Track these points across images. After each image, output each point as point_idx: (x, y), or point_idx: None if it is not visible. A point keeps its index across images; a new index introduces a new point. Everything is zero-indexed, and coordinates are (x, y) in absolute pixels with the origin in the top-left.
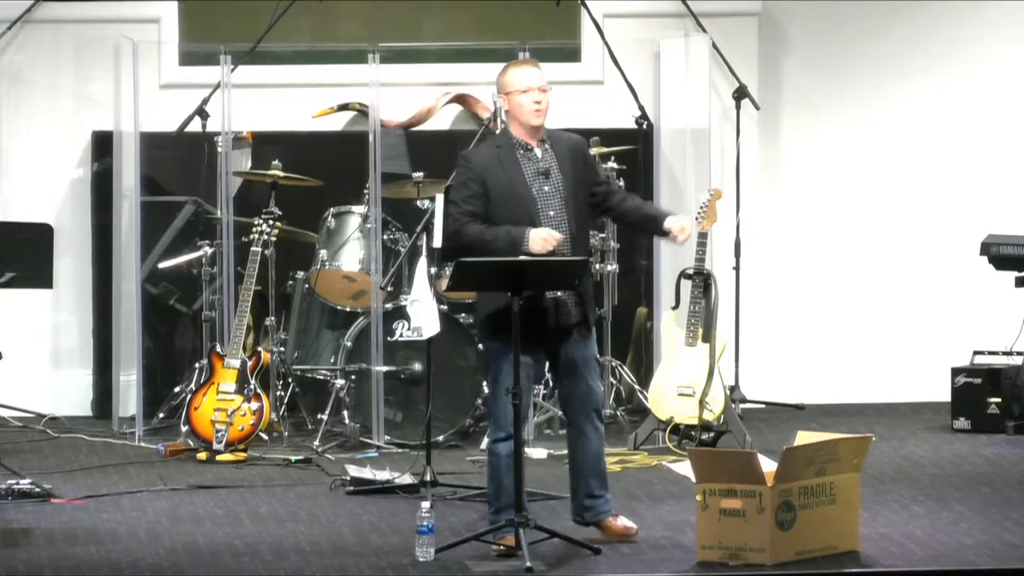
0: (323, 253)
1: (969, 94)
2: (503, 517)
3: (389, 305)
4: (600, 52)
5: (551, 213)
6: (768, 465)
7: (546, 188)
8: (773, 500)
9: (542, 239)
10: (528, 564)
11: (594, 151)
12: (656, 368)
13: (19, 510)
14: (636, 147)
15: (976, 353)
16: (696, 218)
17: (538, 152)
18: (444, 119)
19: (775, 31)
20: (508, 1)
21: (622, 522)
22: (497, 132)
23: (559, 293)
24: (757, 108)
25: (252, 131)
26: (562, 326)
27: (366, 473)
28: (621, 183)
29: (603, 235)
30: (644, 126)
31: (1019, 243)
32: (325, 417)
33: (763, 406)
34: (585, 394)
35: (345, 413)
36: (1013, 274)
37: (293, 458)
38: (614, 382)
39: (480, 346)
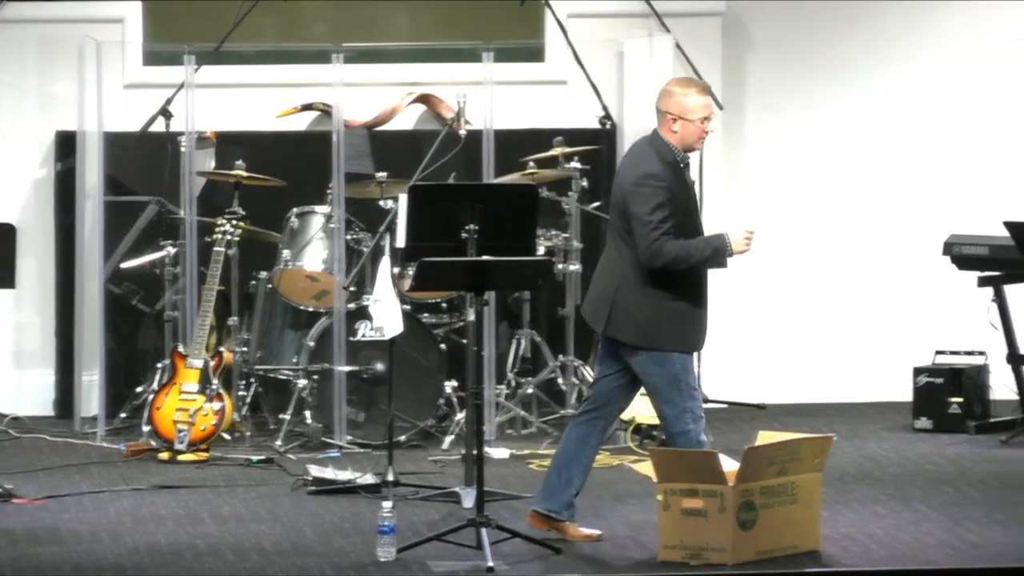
0: (286, 253)
1: (932, 93)
2: None
3: (352, 305)
4: (564, 52)
5: (699, 226)
6: (730, 465)
7: (695, 201)
8: (735, 500)
9: (745, 240)
10: (490, 564)
11: (557, 151)
12: None
13: None
14: (599, 147)
15: (938, 353)
16: None
17: (689, 167)
18: (408, 119)
19: (739, 31)
20: (472, 1)
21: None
22: (662, 144)
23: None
24: (721, 107)
25: (216, 131)
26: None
27: (328, 473)
28: (584, 183)
29: (566, 235)
30: (608, 126)
31: (981, 243)
32: (287, 417)
33: (725, 406)
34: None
35: (307, 413)
36: (975, 274)
37: (255, 458)
38: (576, 382)
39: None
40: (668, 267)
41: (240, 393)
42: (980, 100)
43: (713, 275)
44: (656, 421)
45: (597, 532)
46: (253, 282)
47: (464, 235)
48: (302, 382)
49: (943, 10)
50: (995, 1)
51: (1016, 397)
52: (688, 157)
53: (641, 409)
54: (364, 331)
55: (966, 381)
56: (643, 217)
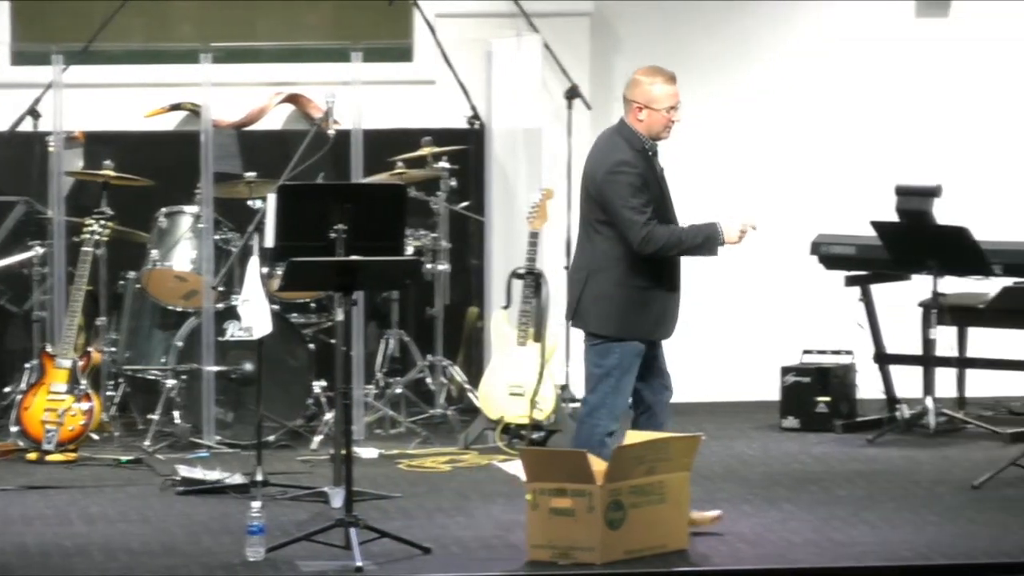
0: (154, 253)
1: (798, 93)
2: None
3: (220, 305)
4: (432, 52)
5: (673, 213)
6: (598, 464)
7: (666, 190)
8: (603, 499)
9: (739, 231)
10: (359, 563)
11: (425, 151)
12: (487, 368)
13: None
14: (468, 147)
15: (805, 352)
16: (527, 218)
17: (658, 155)
18: (276, 119)
19: (607, 31)
20: (340, 1)
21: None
22: (629, 133)
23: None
24: (589, 108)
25: (84, 131)
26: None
27: (197, 473)
28: (453, 183)
29: (435, 235)
30: (476, 126)
31: (848, 243)
32: (156, 417)
33: None
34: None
35: (176, 413)
36: (843, 273)
37: (123, 458)
38: (445, 382)
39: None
40: (659, 254)
41: (109, 393)
42: (846, 99)
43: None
44: (525, 421)
45: (716, 512)
46: (121, 282)
47: (333, 235)
48: (171, 382)
49: (808, 9)
50: (861, 2)
51: (883, 396)
52: (656, 145)
53: (510, 408)
54: (233, 331)
55: (833, 380)
56: (625, 205)
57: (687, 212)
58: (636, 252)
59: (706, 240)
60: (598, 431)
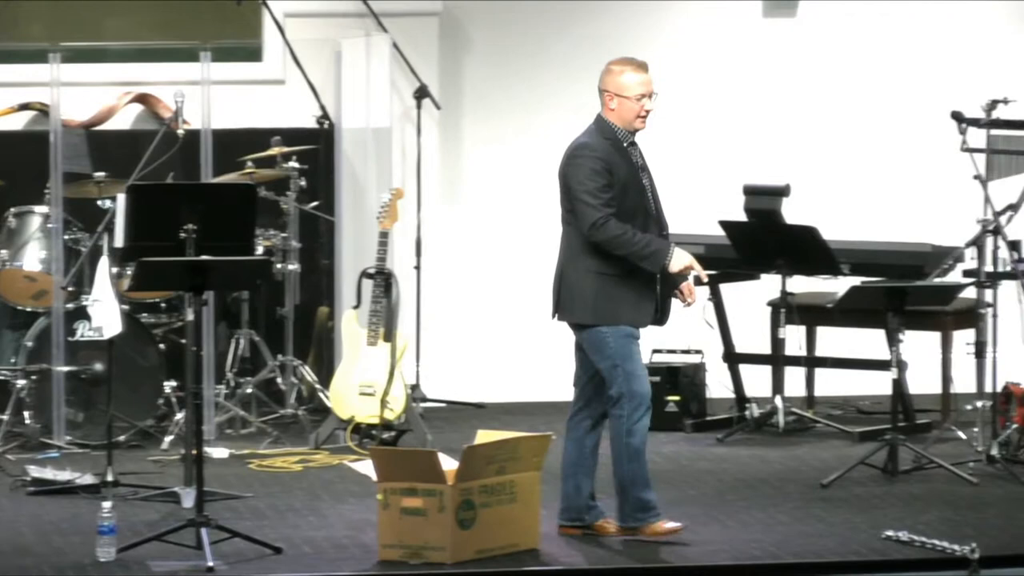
0: (4, 253)
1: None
2: (651, 496)
3: (70, 305)
4: (281, 51)
5: (652, 207)
6: (449, 464)
7: (645, 182)
8: (454, 499)
9: (684, 264)
10: (210, 563)
11: (275, 151)
12: (337, 367)
13: None
14: (318, 147)
15: (655, 351)
16: (377, 217)
17: (636, 148)
18: (125, 119)
19: (456, 31)
20: (190, 1)
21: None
22: (605, 127)
23: (659, 291)
24: (438, 108)
25: None
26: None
27: (47, 473)
28: (303, 183)
29: (285, 235)
30: (326, 126)
31: (697, 242)
32: (6, 417)
33: (444, 405)
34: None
35: (26, 413)
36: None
37: None
38: (295, 382)
39: (592, 331)
40: (605, 245)
41: None
42: (694, 99)
43: (432, 275)
44: (376, 420)
45: (677, 524)
46: None
47: (183, 235)
48: (20, 382)
49: (659, 10)
50: (710, 2)
51: (732, 395)
52: (631, 136)
53: (361, 408)
54: (83, 331)
55: (683, 379)
56: (582, 188)
57: (536, 212)
58: (586, 235)
59: (653, 254)
60: (625, 422)
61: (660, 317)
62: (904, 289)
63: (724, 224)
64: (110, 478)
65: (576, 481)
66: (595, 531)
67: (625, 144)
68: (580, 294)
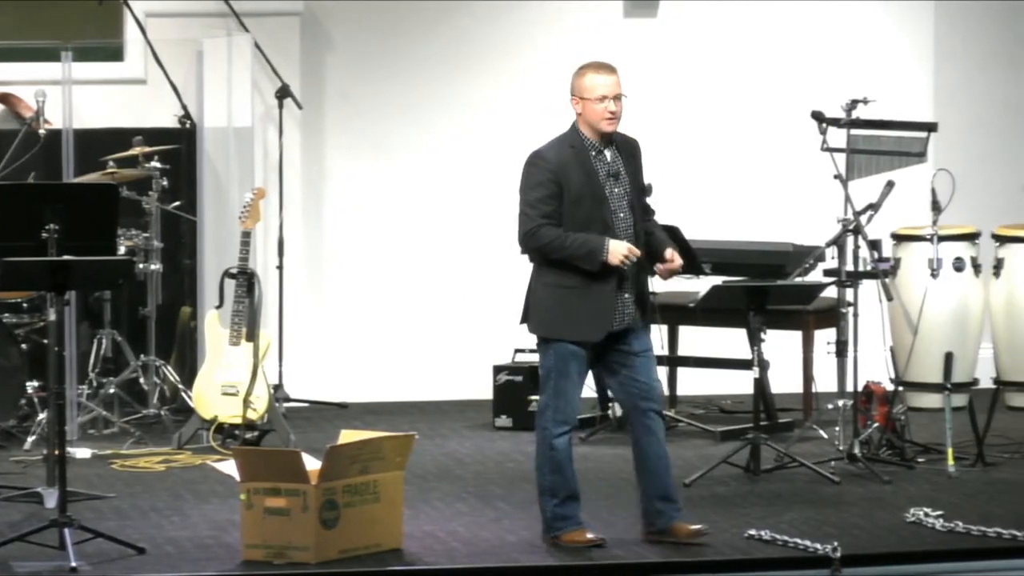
0: None
1: (512, 93)
2: (570, 508)
3: None
4: (143, 51)
5: (621, 215)
6: (312, 464)
7: (616, 190)
8: (317, 498)
9: (623, 254)
10: (73, 564)
11: (137, 151)
12: (200, 367)
13: None
14: (179, 146)
15: (517, 351)
16: (239, 217)
17: (608, 154)
18: None
19: (317, 31)
20: (50, 0)
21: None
22: (566, 132)
23: (627, 295)
24: (300, 107)
25: None
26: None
27: None
28: (164, 183)
29: (147, 235)
30: (187, 125)
31: None
32: None
33: (307, 405)
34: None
35: None
36: None
37: None
38: (158, 382)
39: (539, 342)
40: (540, 252)
41: None
42: (555, 98)
43: (295, 275)
44: (239, 420)
45: (596, 536)
46: None
47: (44, 235)
48: None
49: (521, 9)
50: (571, 2)
51: (595, 395)
52: (601, 143)
53: (224, 408)
54: None
55: None
56: (522, 195)
57: (400, 211)
58: (520, 244)
59: (588, 253)
60: (547, 434)
61: (644, 315)
62: (765, 288)
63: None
64: None
65: (641, 487)
66: (672, 535)
67: (593, 152)
68: (535, 305)
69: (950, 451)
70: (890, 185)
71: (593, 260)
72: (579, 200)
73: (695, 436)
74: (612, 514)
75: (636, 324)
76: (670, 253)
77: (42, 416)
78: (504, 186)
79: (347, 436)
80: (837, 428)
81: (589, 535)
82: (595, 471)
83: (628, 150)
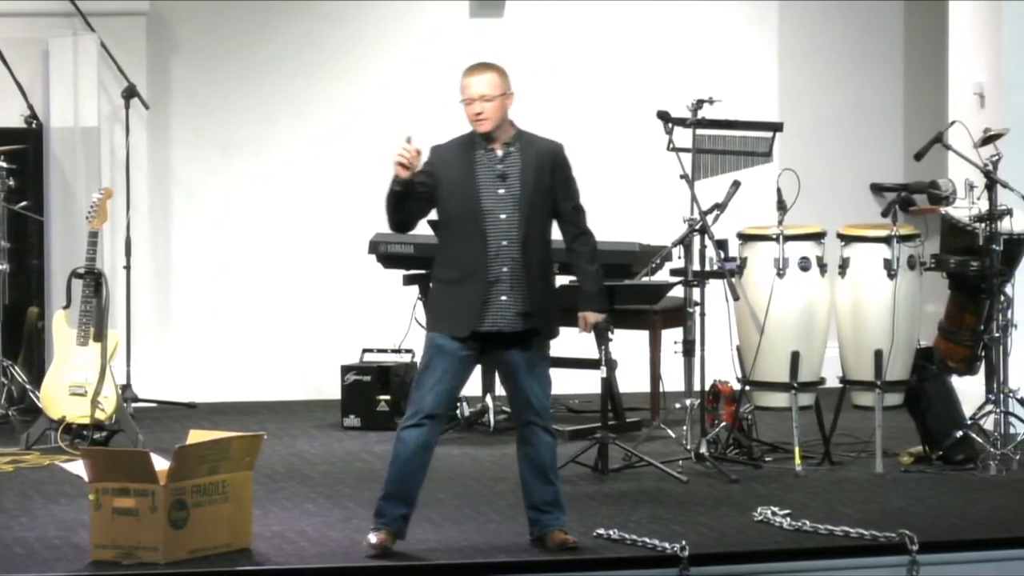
0: None
1: (358, 93)
2: (390, 507)
3: None
4: None
5: (502, 216)
6: (161, 464)
7: (500, 191)
8: (166, 499)
9: (397, 167)
10: None
11: None
12: (48, 368)
13: None
14: (26, 146)
15: (366, 351)
16: (87, 217)
17: (499, 153)
18: None
19: (164, 31)
20: None
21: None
22: None
23: (503, 297)
24: (147, 107)
25: None
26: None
27: None
28: (11, 183)
29: None
30: (34, 125)
31: (406, 242)
32: None
33: (155, 405)
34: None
35: None
36: (401, 272)
37: None
38: (6, 382)
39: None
40: (391, 221)
41: None
42: (400, 100)
43: (142, 275)
44: (87, 420)
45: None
46: None
47: None
48: None
49: (364, 9)
50: (417, 1)
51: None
52: (489, 143)
53: (72, 408)
54: None
55: (393, 379)
56: None
57: (249, 211)
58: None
59: (392, 181)
60: (400, 424)
61: (541, 325)
62: (612, 288)
63: (433, 224)
64: None
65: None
66: (546, 542)
67: (482, 151)
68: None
69: (797, 450)
70: (736, 185)
71: (391, 193)
72: (449, 196)
73: None
74: (460, 514)
75: (518, 329)
76: (582, 320)
77: None
78: (351, 185)
79: (196, 436)
80: (685, 427)
81: (378, 540)
82: (445, 470)
83: (536, 155)
